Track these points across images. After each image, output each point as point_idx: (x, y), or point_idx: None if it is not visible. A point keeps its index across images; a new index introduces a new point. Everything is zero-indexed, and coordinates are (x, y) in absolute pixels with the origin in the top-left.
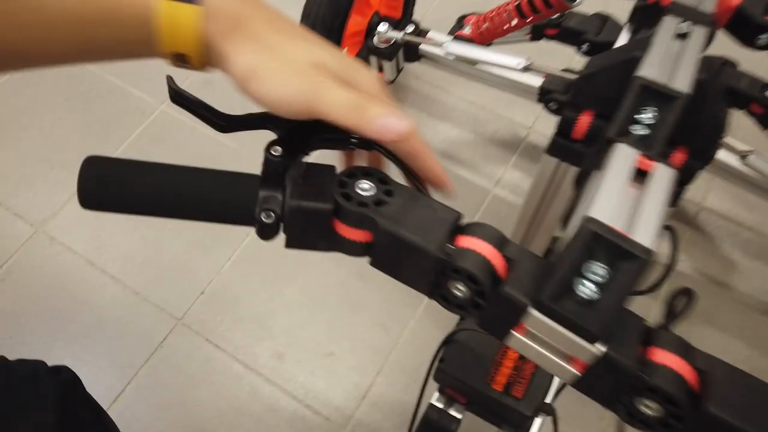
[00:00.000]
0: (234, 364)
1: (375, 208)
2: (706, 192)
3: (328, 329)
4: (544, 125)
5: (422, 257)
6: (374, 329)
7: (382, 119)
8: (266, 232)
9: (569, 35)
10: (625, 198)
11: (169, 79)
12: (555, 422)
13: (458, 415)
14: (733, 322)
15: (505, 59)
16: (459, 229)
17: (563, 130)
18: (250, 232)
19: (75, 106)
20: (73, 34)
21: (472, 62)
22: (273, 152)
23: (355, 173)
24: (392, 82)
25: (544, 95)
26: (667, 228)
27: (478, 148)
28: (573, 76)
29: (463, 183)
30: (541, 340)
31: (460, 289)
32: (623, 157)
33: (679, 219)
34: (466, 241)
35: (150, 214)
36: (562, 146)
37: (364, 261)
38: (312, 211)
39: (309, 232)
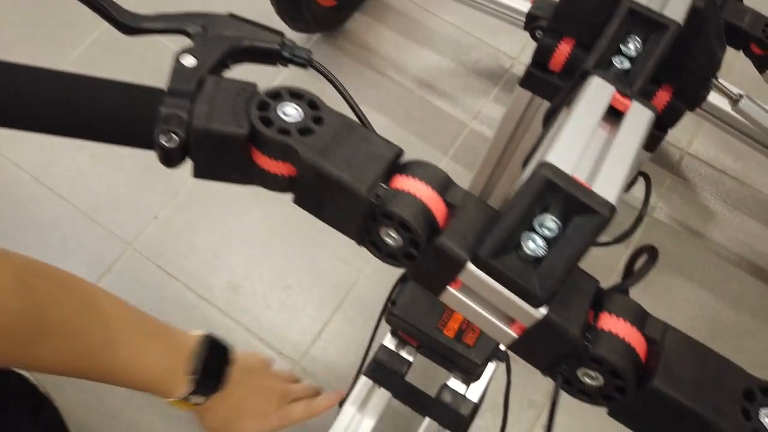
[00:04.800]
0: (186, 293)
1: (299, 137)
2: (692, 137)
3: (287, 262)
4: (530, 56)
5: (350, 198)
6: (335, 264)
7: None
8: (168, 158)
9: None
10: (592, 142)
11: None
12: (508, 369)
13: (409, 358)
14: (704, 272)
15: None
16: (397, 167)
17: (540, 60)
18: None
19: (23, 9)
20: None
21: None
22: (183, 62)
23: (280, 93)
24: None
25: (531, 22)
26: (642, 175)
27: (458, 78)
28: None
29: (439, 115)
30: (478, 299)
31: (392, 237)
32: (596, 93)
33: (660, 164)
34: (403, 182)
35: (28, 128)
36: (537, 78)
37: None
38: (222, 136)
39: (220, 161)
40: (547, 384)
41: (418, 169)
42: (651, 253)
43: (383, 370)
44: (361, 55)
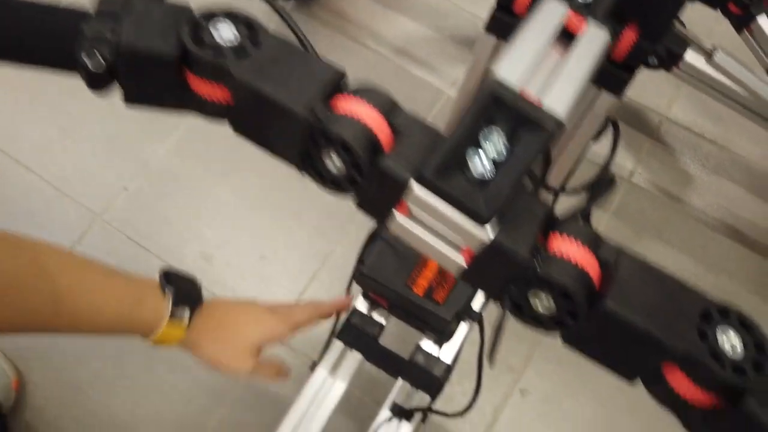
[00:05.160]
0: (158, 265)
1: (234, 59)
2: (671, 102)
3: (262, 231)
4: None
5: (287, 120)
6: (311, 234)
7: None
8: (94, 80)
9: None
10: (544, 61)
11: None
12: (481, 330)
13: (382, 320)
14: (683, 237)
15: None
16: (340, 89)
17: (504, 2)
18: (180, 124)
19: None
20: (82, 329)
21: None
22: None
23: (214, 14)
24: None
25: None
26: (611, 122)
27: (435, 45)
28: None
29: (416, 83)
30: (424, 223)
31: (334, 161)
32: (550, 12)
33: (639, 129)
34: (345, 104)
35: None
36: (502, 22)
37: None
38: (151, 56)
39: (151, 84)
40: (525, 349)
41: (362, 91)
42: (610, 179)
43: (355, 333)
44: (336, 23)
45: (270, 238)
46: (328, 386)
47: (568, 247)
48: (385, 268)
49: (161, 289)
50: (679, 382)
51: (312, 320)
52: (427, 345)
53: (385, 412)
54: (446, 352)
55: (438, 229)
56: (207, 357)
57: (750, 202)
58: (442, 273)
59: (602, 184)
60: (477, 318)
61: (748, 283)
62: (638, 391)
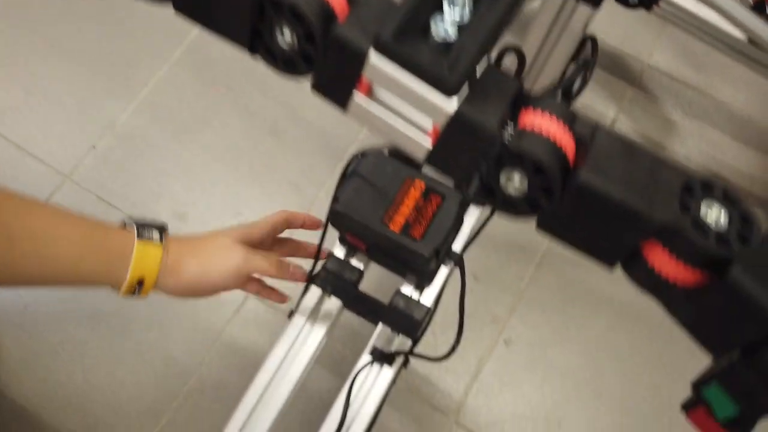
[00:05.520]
0: None
1: None
2: (652, 49)
3: (237, 188)
4: None
5: None
6: (287, 189)
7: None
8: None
9: None
10: None
11: None
12: (462, 272)
13: (360, 266)
14: None
15: None
16: None
17: None
18: (149, 81)
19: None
20: (45, 276)
21: None
22: None
23: None
24: None
25: None
26: (590, 39)
27: None
28: None
29: None
30: (386, 104)
31: (285, 36)
32: None
33: (621, 77)
34: None
35: None
36: None
37: (278, 115)
38: None
39: None
40: (509, 299)
41: None
42: (592, 43)
43: (332, 279)
44: None
45: (245, 195)
46: (306, 333)
47: (540, 121)
48: (360, 206)
49: (122, 226)
50: (661, 261)
51: (268, 272)
52: (408, 290)
53: (365, 357)
54: (427, 297)
55: (401, 110)
56: (194, 273)
57: (733, 149)
58: (419, 209)
59: (584, 54)
60: (457, 259)
61: None
62: (623, 337)
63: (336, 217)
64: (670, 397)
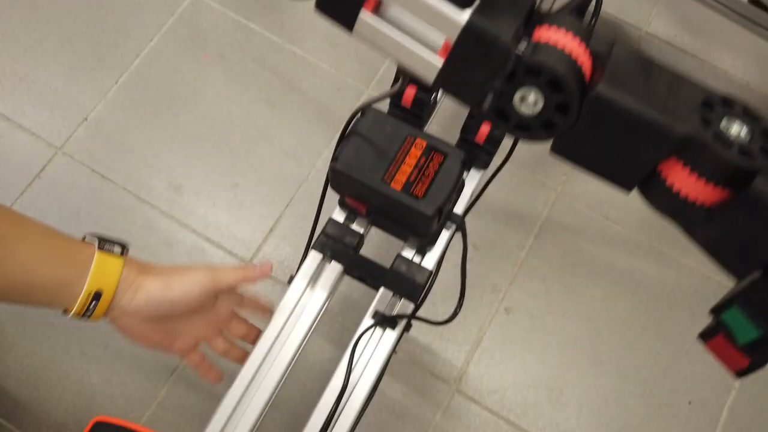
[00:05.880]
0: (124, 196)
1: None
2: (650, 16)
3: (232, 160)
4: None
5: None
6: (284, 160)
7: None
8: None
9: None
10: None
11: None
12: (464, 235)
13: (360, 230)
14: None
15: None
16: None
17: None
18: (140, 53)
19: None
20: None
21: None
22: None
23: None
24: None
25: None
26: None
27: None
28: None
29: None
30: (395, 21)
31: None
32: None
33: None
34: None
35: None
36: None
37: (273, 85)
38: None
39: None
40: (509, 269)
41: None
42: None
43: (333, 244)
44: None
45: (241, 166)
46: (306, 298)
47: (555, 35)
48: (360, 164)
49: (83, 240)
50: (681, 180)
51: (236, 279)
52: (409, 254)
53: (367, 321)
54: (428, 260)
55: (410, 27)
56: (155, 288)
57: None
58: (420, 168)
59: None
60: (459, 222)
61: None
62: (622, 305)
63: (335, 177)
64: (669, 364)
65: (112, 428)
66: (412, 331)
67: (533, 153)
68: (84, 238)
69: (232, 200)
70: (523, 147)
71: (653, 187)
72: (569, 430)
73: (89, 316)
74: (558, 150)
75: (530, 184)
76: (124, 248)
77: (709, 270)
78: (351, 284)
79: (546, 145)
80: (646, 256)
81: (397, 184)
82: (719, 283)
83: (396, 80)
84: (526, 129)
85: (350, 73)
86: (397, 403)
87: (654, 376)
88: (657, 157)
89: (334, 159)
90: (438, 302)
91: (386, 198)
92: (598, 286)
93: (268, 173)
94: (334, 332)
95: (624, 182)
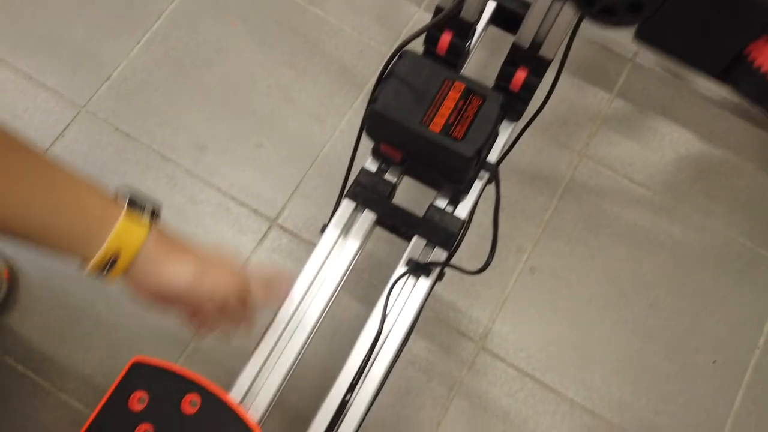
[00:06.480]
0: (149, 155)
1: None
2: None
3: (256, 120)
4: None
5: None
6: (308, 120)
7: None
8: None
9: None
10: None
11: None
12: (497, 183)
13: (393, 179)
14: (688, 113)
15: None
16: None
17: None
18: (162, 13)
19: None
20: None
21: None
22: None
23: None
24: None
25: None
26: None
27: None
28: None
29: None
30: None
31: None
32: None
33: None
34: None
35: None
36: None
37: (296, 47)
38: None
39: None
40: (534, 229)
41: None
42: None
43: (366, 192)
44: None
45: (265, 126)
46: (339, 246)
47: None
48: (398, 106)
49: (115, 196)
50: None
51: (261, 296)
52: (442, 203)
53: (400, 269)
54: (461, 210)
55: None
56: (190, 275)
57: None
58: (459, 110)
59: None
60: (493, 170)
61: (755, 159)
62: (646, 265)
63: (373, 120)
64: (693, 324)
65: (149, 368)
66: (438, 289)
67: (557, 116)
68: (117, 193)
69: (257, 160)
70: (548, 109)
71: (740, 71)
72: (594, 387)
73: (104, 277)
74: (642, 35)
75: (554, 147)
76: (154, 213)
77: (733, 232)
78: (377, 243)
79: (568, 106)
80: (670, 217)
81: (436, 126)
82: (742, 245)
83: (435, 15)
84: (612, 13)
85: (372, 35)
86: (423, 359)
87: (678, 335)
88: (748, 36)
89: (373, 101)
90: (464, 260)
91: (425, 140)
92: (622, 247)
93: (291, 134)
94: (360, 289)
95: (709, 66)
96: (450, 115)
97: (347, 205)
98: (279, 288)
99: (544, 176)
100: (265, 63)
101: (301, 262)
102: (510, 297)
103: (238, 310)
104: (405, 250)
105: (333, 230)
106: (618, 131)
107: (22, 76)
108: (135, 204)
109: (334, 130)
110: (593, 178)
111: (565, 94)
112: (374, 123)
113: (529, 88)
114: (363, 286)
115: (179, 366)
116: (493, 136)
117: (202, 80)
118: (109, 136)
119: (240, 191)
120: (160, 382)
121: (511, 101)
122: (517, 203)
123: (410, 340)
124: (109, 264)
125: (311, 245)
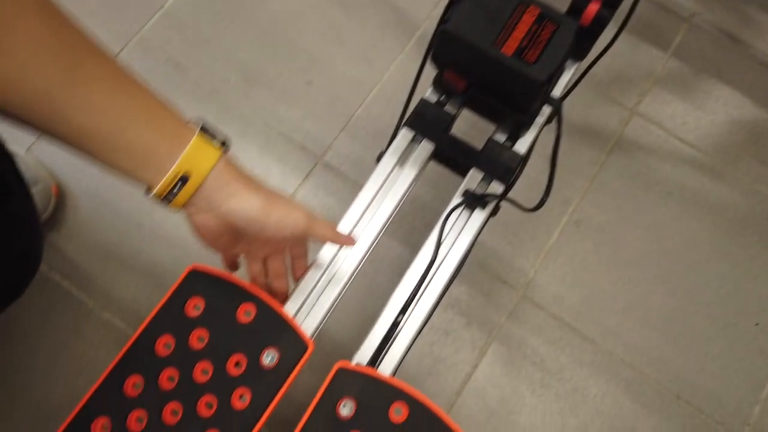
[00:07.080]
0: (199, 87)
1: None
2: None
3: (306, 58)
4: None
5: None
6: (357, 62)
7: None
8: None
9: None
10: None
11: None
12: (560, 118)
13: (452, 111)
14: (744, 77)
15: None
16: None
17: None
18: None
19: None
20: (89, 130)
21: None
22: None
23: None
24: None
25: None
26: None
27: None
28: None
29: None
30: None
31: None
32: None
33: None
34: None
35: None
36: None
37: None
38: None
39: None
40: (582, 182)
41: None
42: None
43: (424, 123)
44: None
45: (315, 64)
46: (396, 174)
47: None
48: (471, 28)
49: (186, 121)
50: None
51: (327, 235)
52: (501, 138)
53: (456, 199)
54: (521, 145)
55: None
56: (260, 203)
57: None
58: (532, 35)
59: None
60: (557, 105)
61: None
62: (692, 226)
63: (444, 41)
64: (736, 287)
65: (206, 277)
66: (482, 236)
67: (610, 71)
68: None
69: (305, 97)
70: (600, 64)
71: None
72: (633, 342)
73: (170, 201)
74: None
75: (605, 102)
76: (225, 143)
77: None
78: (421, 187)
79: (622, 63)
80: (720, 180)
81: (509, 49)
82: None
83: None
84: None
85: None
86: (464, 303)
87: (720, 297)
88: None
89: (445, 21)
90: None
91: (497, 63)
92: (669, 206)
93: (341, 74)
94: (403, 232)
95: None
96: (523, 39)
97: (405, 134)
98: (345, 237)
99: (594, 131)
100: (318, 2)
101: (346, 201)
102: (553, 248)
103: (299, 246)
104: (450, 191)
105: (390, 158)
106: (671, 91)
107: (75, 4)
108: (206, 131)
109: (383, 74)
110: (644, 136)
111: (619, 51)
112: (444, 45)
113: (600, 23)
114: (406, 228)
115: (237, 277)
116: (563, 66)
117: (253, 16)
118: (160, 66)
119: (288, 127)
120: (216, 291)
121: (579, 37)
122: (565, 155)
123: (451, 285)
124: (177, 186)
125: (356, 185)
